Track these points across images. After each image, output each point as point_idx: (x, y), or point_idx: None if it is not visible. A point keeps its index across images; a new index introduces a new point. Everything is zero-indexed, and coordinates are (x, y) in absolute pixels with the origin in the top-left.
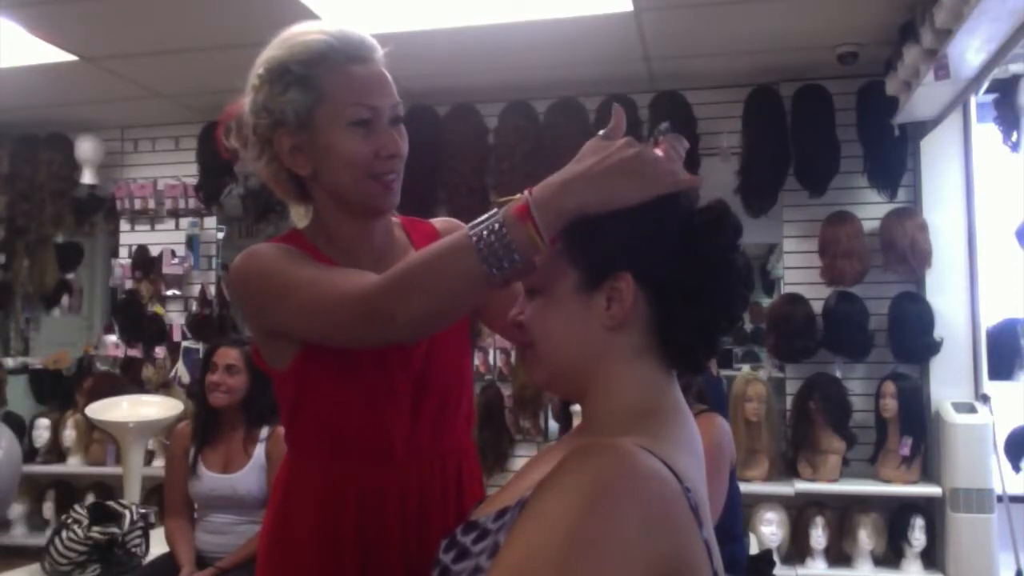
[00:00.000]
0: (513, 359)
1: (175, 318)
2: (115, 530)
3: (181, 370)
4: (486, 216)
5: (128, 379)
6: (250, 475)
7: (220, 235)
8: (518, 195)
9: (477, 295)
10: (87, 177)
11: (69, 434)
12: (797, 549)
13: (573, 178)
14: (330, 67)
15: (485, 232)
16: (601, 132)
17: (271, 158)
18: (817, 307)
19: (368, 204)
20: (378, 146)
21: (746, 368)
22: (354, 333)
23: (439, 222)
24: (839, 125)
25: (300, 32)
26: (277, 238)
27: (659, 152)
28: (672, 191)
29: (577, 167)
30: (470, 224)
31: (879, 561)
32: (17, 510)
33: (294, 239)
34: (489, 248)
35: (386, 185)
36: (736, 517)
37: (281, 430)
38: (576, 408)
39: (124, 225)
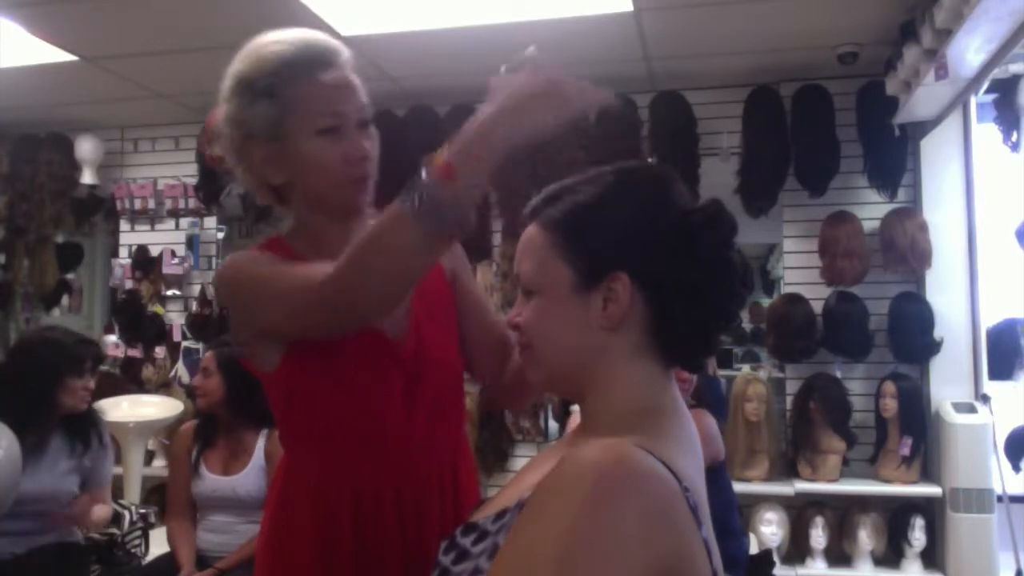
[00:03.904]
0: None
1: (175, 318)
2: (114, 530)
3: (181, 370)
4: (414, 179)
5: (128, 379)
6: (250, 476)
7: (220, 235)
8: (440, 149)
9: (425, 258)
10: (87, 177)
11: None
12: (797, 549)
13: (487, 121)
14: (295, 77)
15: (416, 196)
16: (504, 67)
17: (247, 167)
18: (817, 307)
19: (344, 206)
20: (347, 151)
21: (746, 368)
22: (324, 321)
23: None
24: (839, 125)
25: (263, 44)
26: (257, 245)
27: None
28: (586, 109)
29: (489, 108)
30: (402, 192)
31: (879, 561)
32: None
33: (274, 244)
34: (424, 211)
35: (360, 187)
36: (732, 512)
37: None
38: (576, 408)
39: (124, 225)
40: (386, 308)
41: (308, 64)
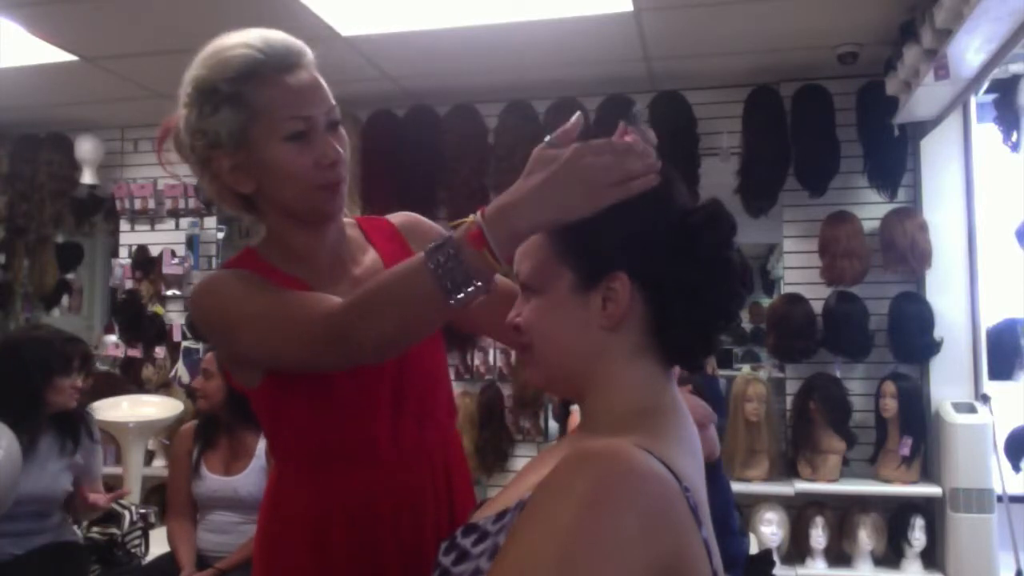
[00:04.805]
0: (513, 359)
1: (175, 318)
2: (114, 531)
3: (181, 370)
4: (441, 240)
5: (128, 379)
6: (251, 476)
7: (220, 235)
8: (471, 217)
9: (439, 318)
10: (87, 177)
11: None
12: (797, 549)
13: (522, 197)
14: (259, 81)
15: (441, 259)
16: (548, 138)
17: (213, 177)
18: (817, 307)
19: (316, 212)
20: (317, 156)
21: (746, 368)
22: (317, 359)
23: (396, 217)
24: (839, 125)
25: (224, 47)
26: (231, 261)
27: (628, 140)
28: (624, 197)
29: (526, 183)
30: (427, 249)
31: (879, 561)
32: None
33: (248, 259)
34: (447, 274)
35: (332, 192)
36: (730, 511)
37: None
38: (576, 407)
39: (124, 225)
40: (384, 355)
41: (272, 67)
